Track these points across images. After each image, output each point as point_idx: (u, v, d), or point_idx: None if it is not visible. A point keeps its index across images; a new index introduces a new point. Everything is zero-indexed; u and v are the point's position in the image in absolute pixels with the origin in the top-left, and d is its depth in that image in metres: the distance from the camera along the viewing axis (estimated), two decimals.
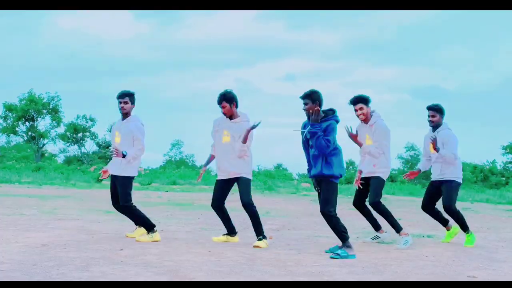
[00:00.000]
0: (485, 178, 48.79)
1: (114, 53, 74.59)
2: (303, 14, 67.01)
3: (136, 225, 6.66)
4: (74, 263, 4.72)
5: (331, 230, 5.75)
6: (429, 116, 6.91)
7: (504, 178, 47.63)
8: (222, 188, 6.28)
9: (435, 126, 6.89)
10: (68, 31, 70.85)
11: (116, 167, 6.27)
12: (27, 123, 52.63)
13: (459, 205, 7.03)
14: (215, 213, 6.49)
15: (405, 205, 15.96)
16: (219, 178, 6.30)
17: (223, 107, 6.11)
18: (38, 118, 52.81)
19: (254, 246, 6.07)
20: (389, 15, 67.23)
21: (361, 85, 72.49)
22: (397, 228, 6.57)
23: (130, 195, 6.27)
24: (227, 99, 6.09)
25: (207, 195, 7.51)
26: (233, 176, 6.18)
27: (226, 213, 6.44)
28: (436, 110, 6.85)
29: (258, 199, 17.32)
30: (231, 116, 6.12)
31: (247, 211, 6.17)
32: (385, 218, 6.64)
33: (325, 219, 5.64)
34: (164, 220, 8.90)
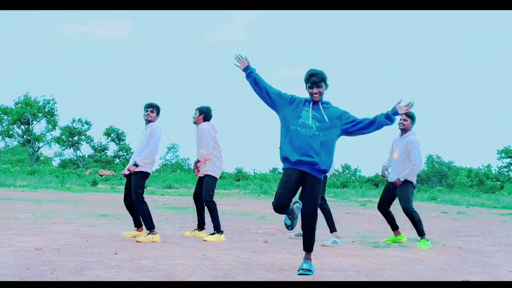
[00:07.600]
0: (480, 182, 48.87)
1: (110, 56, 74.47)
2: (297, 20, 67.20)
3: (135, 228, 7.13)
4: (68, 267, 4.70)
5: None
6: (400, 119, 7.10)
7: (499, 182, 47.74)
8: (200, 184, 7.41)
9: (403, 130, 7.13)
10: (65, 34, 70.71)
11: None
12: (22, 126, 52.50)
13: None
14: (210, 214, 7.19)
15: (399, 208, 15.86)
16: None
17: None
18: (33, 122, 52.69)
19: (204, 240, 6.96)
20: (382, 21, 67.46)
21: (351, 89, 72.59)
22: (332, 228, 7.17)
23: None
24: (200, 110, 7.50)
25: None
26: (204, 174, 7.33)
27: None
28: (407, 115, 7.04)
29: (253, 203, 17.35)
30: (196, 123, 7.49)
31: (206, 206, 7.21)
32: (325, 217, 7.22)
33: (314, 218, 4.75)
34: (159, 224, 8.88)
